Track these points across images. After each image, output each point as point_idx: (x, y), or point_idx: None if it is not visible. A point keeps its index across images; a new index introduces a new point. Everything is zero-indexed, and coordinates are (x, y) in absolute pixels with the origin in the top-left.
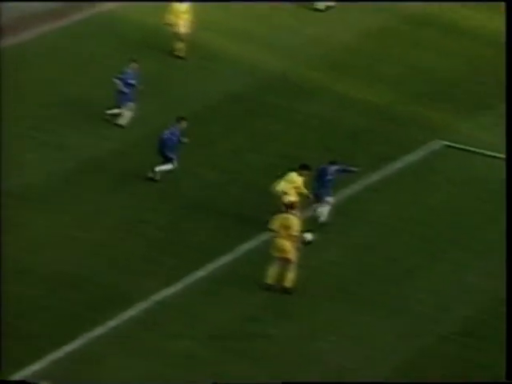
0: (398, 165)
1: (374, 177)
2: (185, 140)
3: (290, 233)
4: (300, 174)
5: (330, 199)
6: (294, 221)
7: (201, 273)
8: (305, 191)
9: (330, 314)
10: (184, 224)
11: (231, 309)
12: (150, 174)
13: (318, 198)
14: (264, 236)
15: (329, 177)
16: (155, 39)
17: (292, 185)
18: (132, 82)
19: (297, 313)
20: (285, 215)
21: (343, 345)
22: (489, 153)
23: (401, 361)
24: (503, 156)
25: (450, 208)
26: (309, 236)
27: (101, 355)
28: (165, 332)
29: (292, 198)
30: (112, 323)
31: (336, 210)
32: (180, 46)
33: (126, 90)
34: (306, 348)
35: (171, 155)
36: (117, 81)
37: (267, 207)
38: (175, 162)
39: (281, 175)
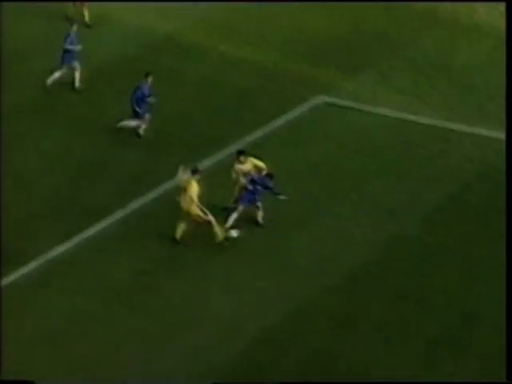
0: (281, 121)
1: (258, 133)
2: (152, 99)
3: (188, 195)
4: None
5: (241, 207)
6: (193, 185)
7: (93, 230)
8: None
9: (220, 266)
10: (77, 182)
11: (123, 264)
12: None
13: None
14: (154, 194)
15: (249, 187)
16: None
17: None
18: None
19: (188, 266)
20: (187, 178)
21: (233, 296)
22: (369, 109)
23: (289, 310)
24: (383, 112)
25: (331, 163)
26: (234, 233)
27: None
28: (57, 288)
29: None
30: (5, 281)
31: (221, 167)
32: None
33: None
34: (197, 301)
35: (139, 110)
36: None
37: (160, 166)
38: (143, 119)
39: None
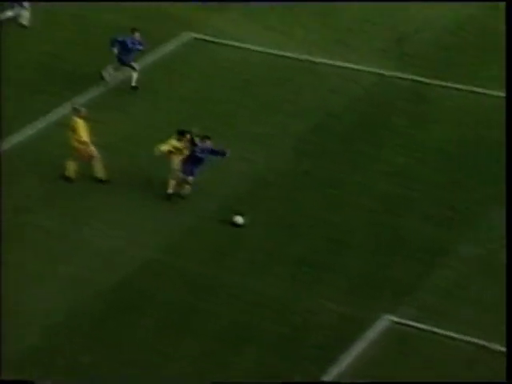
0: (151, 58)
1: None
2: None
3: (75, 133)
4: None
5: (191, 178)
6: (79, 123)
7: None
8: None
9: (100, 202)
10: None
11: (2, 201)
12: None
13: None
14: (30, 130)
15: (198, 154)
16: None
17: None
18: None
19: (68, 202)
20: (73, 118)
21: (113, 230)
22: (237, 44)
23: (168, 241)
24: (251, 47)
25: (202, 97)
26: (240, 219)
27: None
28: None
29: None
30: None
31: (96, 104)
32: None
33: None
34: (76, 235)
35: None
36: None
37: (36, 104)
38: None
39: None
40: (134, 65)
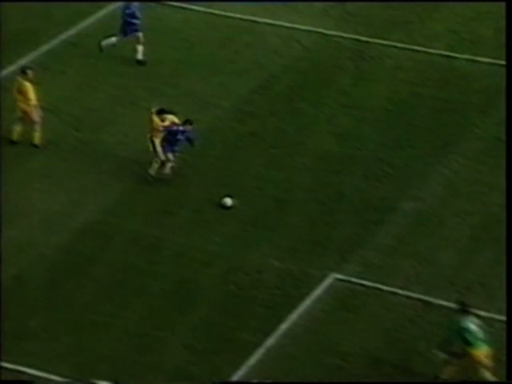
0: (94, 18)
1: (72, 31)
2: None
3: (22, 95)
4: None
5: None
6: (26, 85)
7: None
8: None
9: (41, 164)
10: None
11: None
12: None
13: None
14: None
15: (179, 136)
16: None
17: None
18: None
19: (10, 164)
20: (20, 81)
21: (55, 193)
22: (178, 4)
23: (109, 203)
24: (191, 7)
25: (148, 58)
26: (229, 201)
27: None
28: None
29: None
30: None
31: (39, 65)
32: None
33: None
34: (19, 197)
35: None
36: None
37: None
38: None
39: None
40: (140, 36)
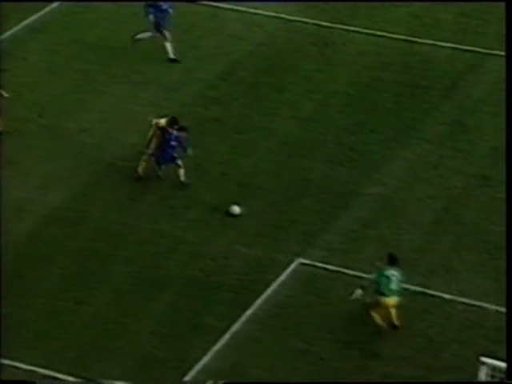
0: (55, 5)
1: (34, 17)
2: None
3: None
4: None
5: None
6: None
7: None
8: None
9: (5, 153)
10: None
11: None
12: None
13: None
14: None
15: (172, 142)
16: None
17: None
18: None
19: None
20: None
21: (20, 180)
22: None
23: (75, 189)
24: None
25: (109, 45)
26: (237, 209)
27: None
28: None
29: None
30: None
31: (2, 51)
32: None
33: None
34: None
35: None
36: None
37: None
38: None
39: None
40: (167, 33)
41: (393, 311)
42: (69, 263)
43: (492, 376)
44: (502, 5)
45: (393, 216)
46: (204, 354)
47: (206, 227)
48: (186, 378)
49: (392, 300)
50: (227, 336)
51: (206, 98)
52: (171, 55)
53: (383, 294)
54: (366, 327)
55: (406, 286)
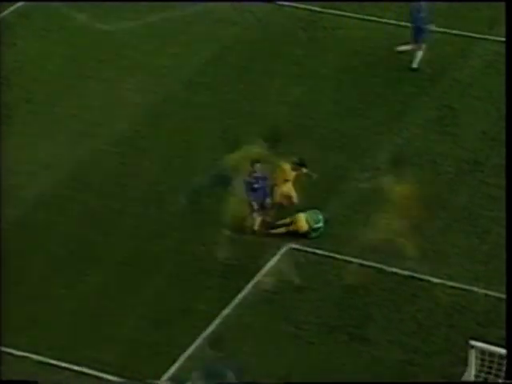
0: None
1: (23, 2)
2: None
3: None
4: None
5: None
6: None
7: None
8: None
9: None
10: None
11: None
12: None
13: None
14: None
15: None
16: None
17: None
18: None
19: None
20: None
21: (7, 167)
22: None
23: (63, 175)
24: None
25: (95, 33)
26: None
27: None
28: None
29: None
30: None
31: None
32: None
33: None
34: None
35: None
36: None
37: None
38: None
39: None
40: (423, 45)
41: None
42: (57, 249)
43: (481, 359)
44: None
45: (381, 200)
46: (194, 339)
47: (196, 212)
48: (176, 364)
49: None
50: (217, 321)
51: (195, 84)
52: (415, 65)
53: None
54: (355, 311)
55: (395, 270)
